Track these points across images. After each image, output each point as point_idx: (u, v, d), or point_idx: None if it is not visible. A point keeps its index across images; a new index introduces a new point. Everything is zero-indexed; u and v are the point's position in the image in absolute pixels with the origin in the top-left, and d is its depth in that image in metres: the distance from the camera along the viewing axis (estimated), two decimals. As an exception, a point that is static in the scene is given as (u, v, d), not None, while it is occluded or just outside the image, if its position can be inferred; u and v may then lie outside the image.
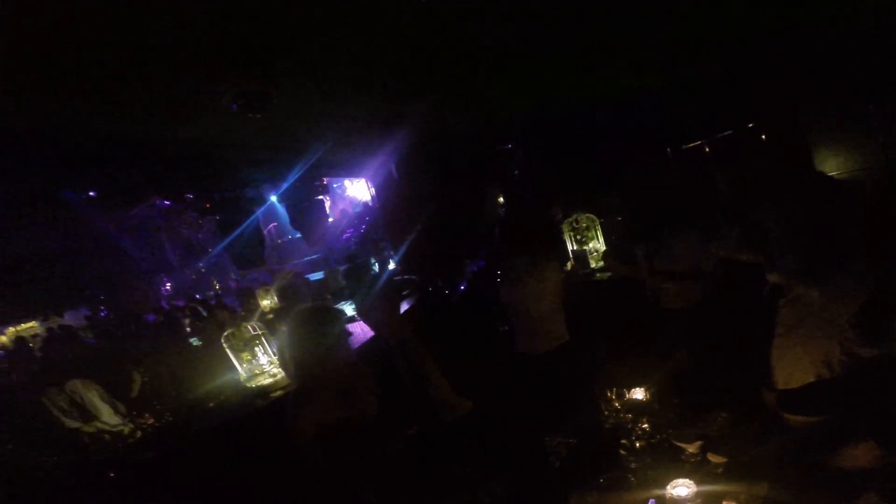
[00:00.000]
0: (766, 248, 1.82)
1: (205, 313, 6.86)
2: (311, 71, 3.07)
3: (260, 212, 5.57)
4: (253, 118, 2.80)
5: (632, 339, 3.19)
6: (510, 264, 3.27)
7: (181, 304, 9.22)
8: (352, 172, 7.39)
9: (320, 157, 5.01)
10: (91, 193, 5.19)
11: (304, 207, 6.05)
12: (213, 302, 8.17)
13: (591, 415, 2.11)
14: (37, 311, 13.37)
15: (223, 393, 4.18)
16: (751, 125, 5.11)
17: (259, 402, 3.74)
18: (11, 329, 12.79)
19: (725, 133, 5.35)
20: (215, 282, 15.24)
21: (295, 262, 13.67)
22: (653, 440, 1.91)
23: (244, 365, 3.94)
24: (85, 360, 4.94)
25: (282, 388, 3.77)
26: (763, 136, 4.99)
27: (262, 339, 3.94)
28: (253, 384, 3.88)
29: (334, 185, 13.63)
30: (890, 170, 4.49)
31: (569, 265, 5.13)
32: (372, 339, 3.95)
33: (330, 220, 12.92)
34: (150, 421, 4.30)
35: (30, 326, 12.82)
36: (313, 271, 11.84)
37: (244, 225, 5.11)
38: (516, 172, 6.62)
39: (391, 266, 6.72)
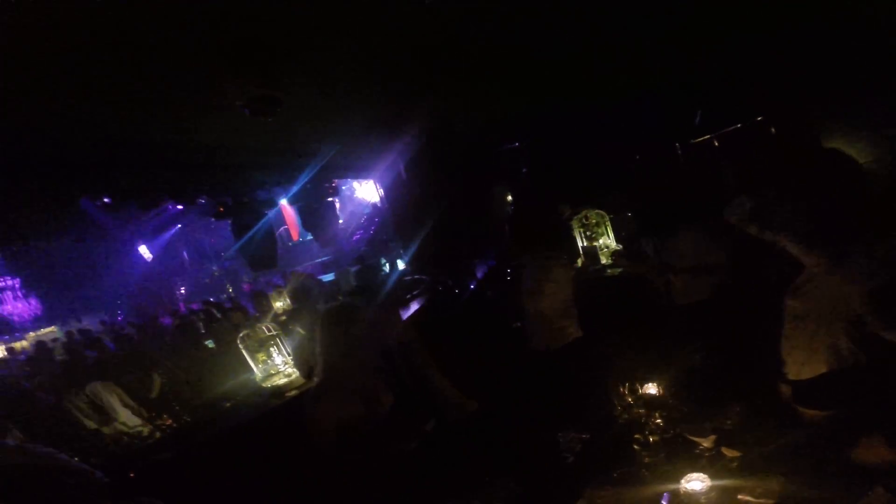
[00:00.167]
0: (780, 223, 1.78)
1: (219, 315, 6.96)
2: (317, 74, 3.11)
3: (271, 214, 5.64)
4: (265, 121, 2.85)
5: (644, 334, 3.18)
6: (520, 262, 3.29)
7: (196, 307, 9.36)
8: (360, 174, 7.44)
9: (329, 159, 5.06)
10: (105, 199, 5.30)
11: (315, 209, 6.11)
12: (227, 305, 8.28)
13: (604, 410, 2.11)
14: (56, 316, 13.67)
15: (239, 393, 4.24)
16: (759, 119, 5.06)
17: (274, 401, 3.78)
18: (32, 333, 13.10)
19: (734, 127, 5.30)
20: (228, 285, 15.45)
21: (306, 264, 13.81)
22: (666, 435, 1.91)
23: (259, 365, 3.99)
24: (106, 363, 5.04)
25: (296, 388, 3.82)
26: (772, 130, 4.94)
27: (278, 339, 3.99)
28: (268, 384, 3.93)
29: (343, 188, 13.72)
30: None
31: (579, 262, 5.12)
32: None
33: (340, 221, 13.01)
34: (169, 422, 4.39)
35: (50, 331, 13.12)
36: (325, 273, 11.94)
37: (256, 227, 5.18)
38: (524, 171, 6.61)
39: (401, 266, 6.76)
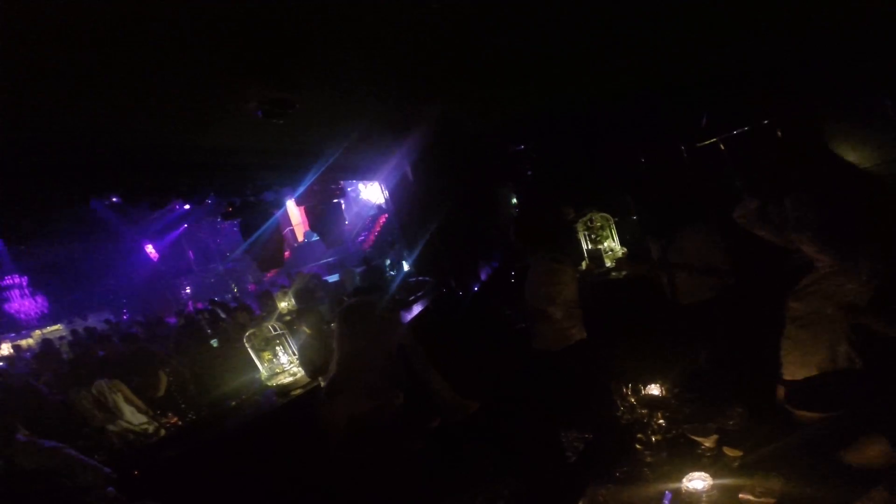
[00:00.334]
0: (795, 224, 1.79)
1: (224, 315, 7.01)
2: (330, 76, 3.14)
3: (278, 215, 5.69)
4: (276, 123, 2.90)
5: (647, 335, 3.20)
6: (524, 264, 3.31)
7: (202, 306, 9.42)
8: (366, 175, 7.47)
9: (336, 160, 5.10)
10: (114, 199, 5.37)
11: (321, 211, 6.16)
12: (233, 304, 8.34)
13: (607, 410, 2.13)
14: (62, 314, 13.79)
15: (244, 392, 4.28)
16: (766, 122, 5.06)
17: (279, 399, 3.82)
18: (38, 331, 13.21)
19: (741, 130, 5.31)
20: (233, 285, 15.52)
21: (311, 265, 13.86)
22: (669, 434, 1.93)
23: (265, 364, 4.02)
24: (113, 361, 5.09)
25: (301, 387, 3.85)
26: (779, 133, 4.94)
27: (283, 338, 4.03)
28: (273, 383, 3.96)
29: (348, 189, 13.79)
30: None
31: (584, 264, 5.12)
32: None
33: (346, 222, 13.07)
34: (175, 420, 4.42)
35: (55, 329, 13.23)
36: (329, 274, 11.98)
37: (264, 227, 5.22)
38: (529, 173, 6.63)
39: (406, 267, 6.78)
